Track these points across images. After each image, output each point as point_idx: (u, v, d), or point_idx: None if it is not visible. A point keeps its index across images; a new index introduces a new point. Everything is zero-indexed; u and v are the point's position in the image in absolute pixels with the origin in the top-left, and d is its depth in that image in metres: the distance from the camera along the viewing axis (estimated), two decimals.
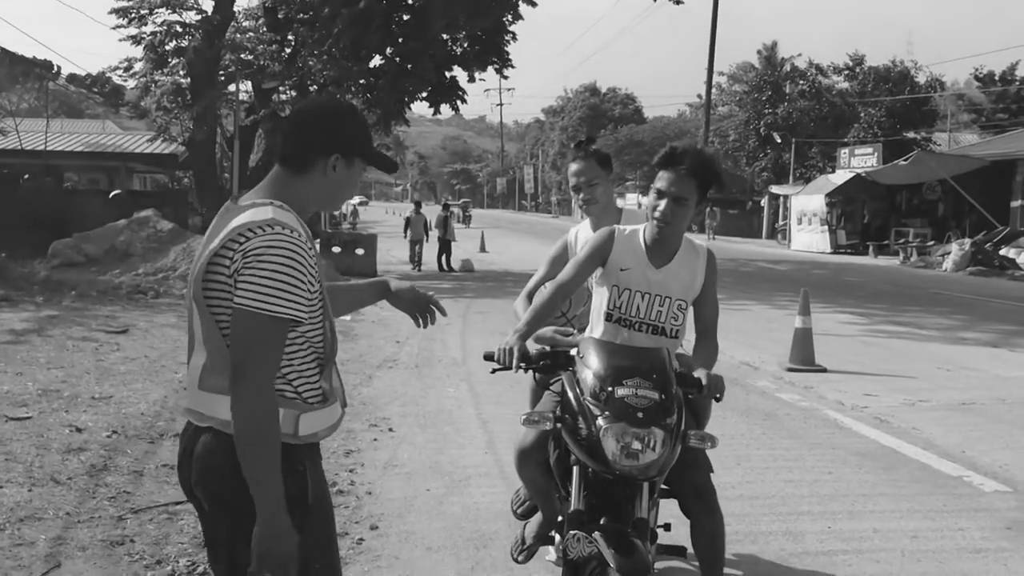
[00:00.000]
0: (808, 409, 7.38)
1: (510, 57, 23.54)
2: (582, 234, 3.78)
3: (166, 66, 22.00)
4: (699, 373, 2.95)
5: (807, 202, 34.50)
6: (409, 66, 21.76)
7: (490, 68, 23.71)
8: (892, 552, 4.35)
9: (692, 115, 63.97)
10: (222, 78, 21.84)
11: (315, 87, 22.13)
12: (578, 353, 3.01)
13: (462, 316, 12.81)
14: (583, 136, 4.01)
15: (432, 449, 5.96)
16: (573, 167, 3.75)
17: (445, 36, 22.16)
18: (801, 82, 45.17)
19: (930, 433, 6.63)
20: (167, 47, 21.77)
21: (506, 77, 24.39)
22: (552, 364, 3.12)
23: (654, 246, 3.13)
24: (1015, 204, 28.72)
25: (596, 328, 3.22)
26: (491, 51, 23.06)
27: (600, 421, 2.75)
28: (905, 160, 29.44)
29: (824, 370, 9.10)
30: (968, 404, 7.68)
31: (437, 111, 23.59)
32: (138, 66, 22.26)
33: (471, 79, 23.48)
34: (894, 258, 29.00)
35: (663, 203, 3.01)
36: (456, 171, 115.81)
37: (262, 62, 21.35)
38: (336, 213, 48.70)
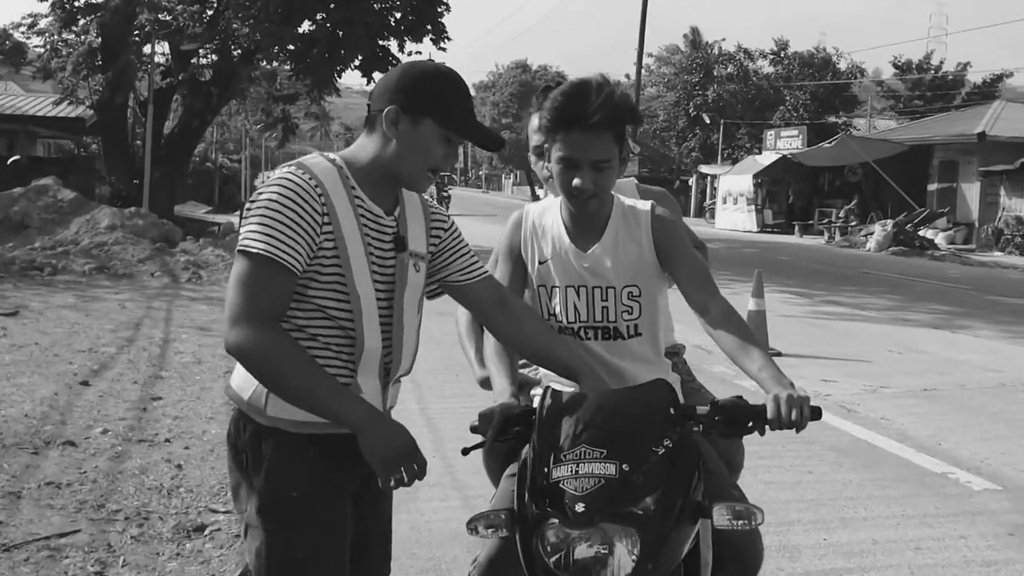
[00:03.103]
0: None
1: (445, 28, 22.61)
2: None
3: (75, 24, 20.39)
4: (771, 393, 1.98)
5: (735, 182, 35.01)
6: (341, 34, 20.66)
7: (425, 40, 22.71)
8: (899, 569, 3.93)
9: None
10: (136, 39, 20.37)
11: (239, 51, 20.86)
12: (537, 410, 2.02)
13: None
14: (551, 82, 2.75)
15: None
16: (538, 121, 2.62)
17: (378, 6, 21.13)
18: (730, 65, 45.59)
19: (901, 424, 6.32)
20: (76, 3, 20.18)
21: (443, 49, 23.36)
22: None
23: (576, 223, 2.35)
24: (932, 187, 29.36)
25: None
26: (426, 21, 22.10)
27: (531, 525, 1.86)
28: (830, 143, 30.01)
29: (779, 354, 8.72)
30: (930, 390, 7.44)
31: (371, 80, 22.54)
32: (43, 23, 20.63)
33: (401, 49, 22.46)
34: (819, 237, 29.46)
35: (579, 176, 2.19)
36: None
37: (181, 23, 19.89)
38: (257, 183, 46.62)
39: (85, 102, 21.22)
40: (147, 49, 20.64)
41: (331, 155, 2.00)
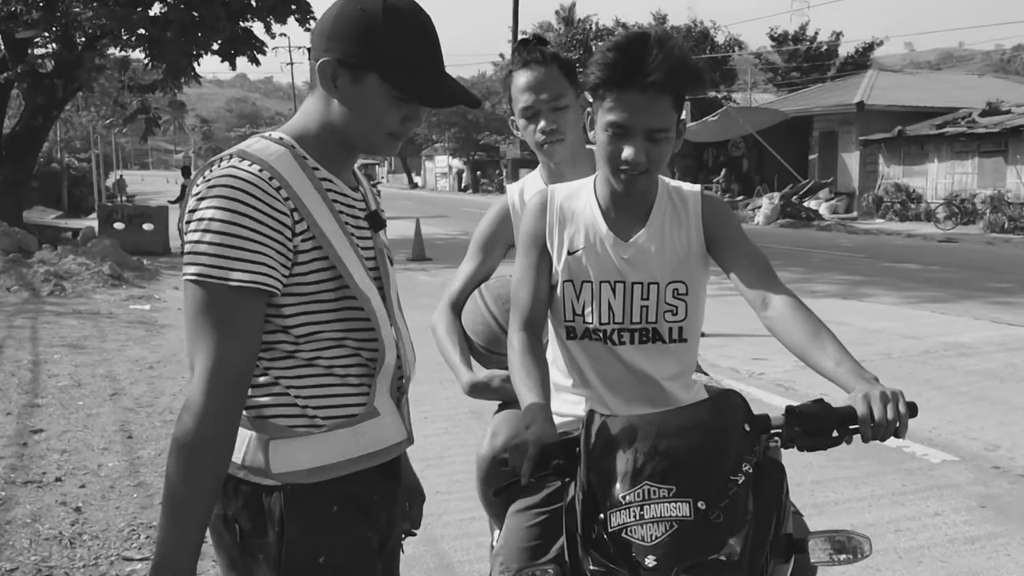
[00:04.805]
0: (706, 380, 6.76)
1: (311, 8, 21.51)
2: (530, 193, 2.39)
3: None
4: (854, 392, 1.64)
5: None
6: (196, 15, 19.35)
7: (291, 20, 21.51)
8: (886, 554, 3.78)
9: (496, 75, 63.70)
10: None
11: (83, 38, 19.27)
12: (581, 440, 1.68)
13: None
14: (528, 36, 2.46)
15: None
16: (526, 78, 2.33)
17: None
18: (609, 39, 45.83)
19: (841, 398, 6.13)
20: None
21: (309, 30, 22.17)
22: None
23: (616, 206, 1.99)
24: (812, 157, 30.24)
25: (558, 358, 2.07)
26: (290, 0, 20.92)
27: None
28: (713, 117, 30.38)
29: (702, 334, 8.57)
30: (864, 363, 7.37)
31: (233, 64, 21.22)
32: None
33: (268, 30, 21.20)
34: None
35: (631, 146, 1.83)
36: (245, 135, 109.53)
37: (14, 8, 18.08)
38: (109, 185, 43.46)
39: None
40: None
41: (274, 134, 1.60)
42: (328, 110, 1.57)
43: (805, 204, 26.28)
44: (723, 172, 31.22)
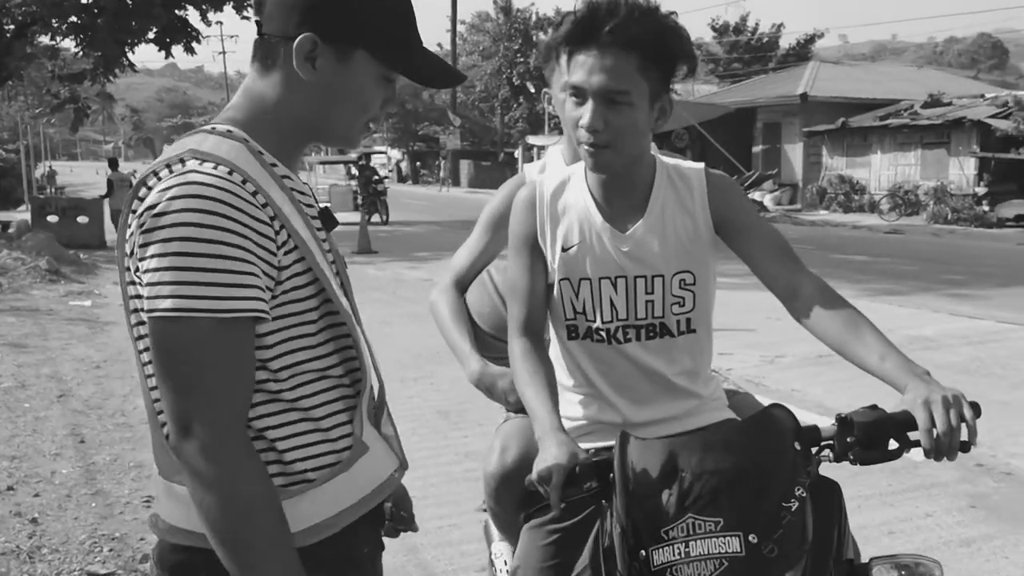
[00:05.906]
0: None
1: None
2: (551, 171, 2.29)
3: None
4: (910, 395, 1.45)
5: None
6: (130, 3, 18.69)
7: (227, 8, 20.91)
8: None
9: None
10: None
11: (12, 26, 18.50)
12: (616, 467, 1.52)
13: None
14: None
15: None
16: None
17: None
18: (550, 30, 45.84)
19: (814, 394, 6.25)
20: None
21: (247, 18, 21.64)
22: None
23: (611, 194, 1.81)
24: (756, 149, 30.62)
25: (560, 360, 1.92)
26: None
27: None
28: None
29: None
30: (826, 356, 7.30)
31: (168, 53, 20.61)
32: None
33: (204, 18, 20.56)
34: None
35: (587, 110, 1.66)
36: (177, 125, 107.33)
37: None
38: (38, 176, 42.12)
39: None
40: None
41: (220, 126, 1.34)
42: (294, 95, 1.34)
43: (750, 195, 26.60)
44: None
